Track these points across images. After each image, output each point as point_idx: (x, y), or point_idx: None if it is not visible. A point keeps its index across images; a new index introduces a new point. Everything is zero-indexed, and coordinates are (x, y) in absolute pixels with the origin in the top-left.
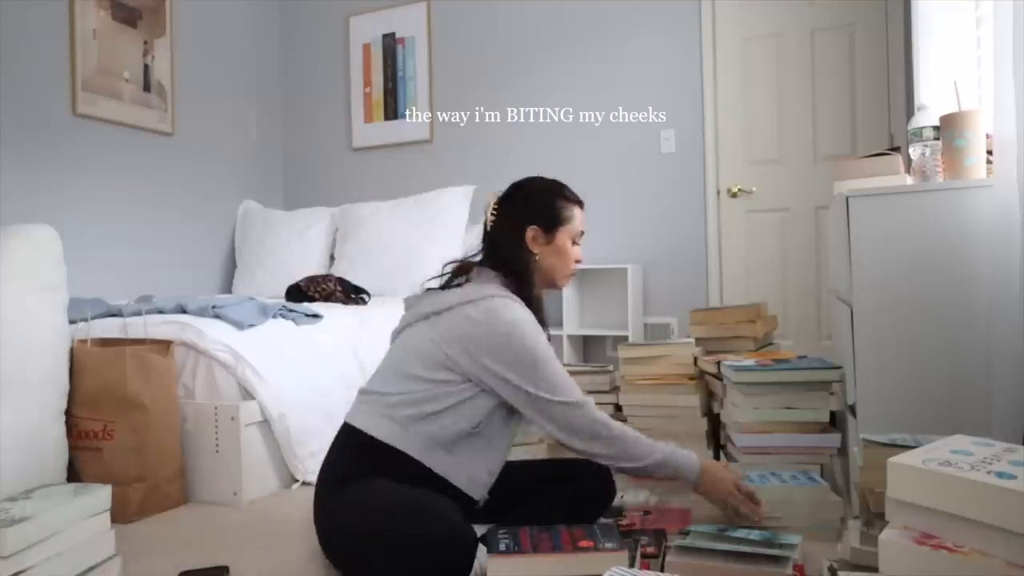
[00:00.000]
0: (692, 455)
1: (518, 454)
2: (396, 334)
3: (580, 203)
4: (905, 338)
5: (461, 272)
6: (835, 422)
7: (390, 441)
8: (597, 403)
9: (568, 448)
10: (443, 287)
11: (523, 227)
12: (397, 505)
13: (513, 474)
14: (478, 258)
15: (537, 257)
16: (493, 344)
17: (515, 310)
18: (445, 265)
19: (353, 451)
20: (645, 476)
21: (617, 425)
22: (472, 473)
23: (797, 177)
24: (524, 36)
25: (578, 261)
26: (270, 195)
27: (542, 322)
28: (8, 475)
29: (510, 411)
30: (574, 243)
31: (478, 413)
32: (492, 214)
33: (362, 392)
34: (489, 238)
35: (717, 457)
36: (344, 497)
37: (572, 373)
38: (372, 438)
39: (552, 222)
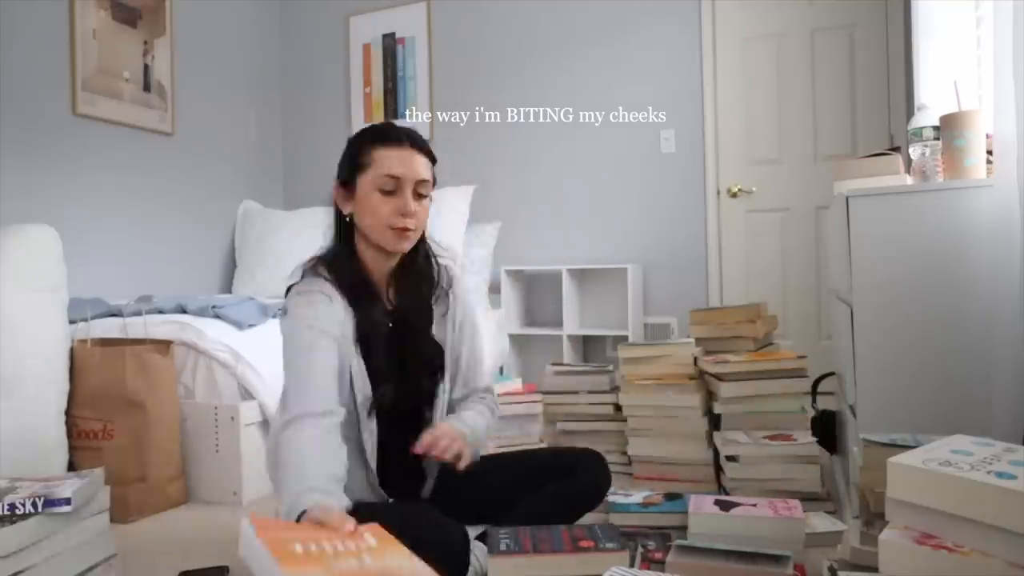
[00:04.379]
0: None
1: None
2: None
3: (395, 140)
4: (905, 338)
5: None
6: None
7: None
8: (597, 403)
9: None
10: None
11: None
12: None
13: (504, 471)
14: None
15: (353, 218)
16: None
17: (295, 304)
18: None
19: None
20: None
21: (287, 458)
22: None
23: (797, 177)
24: (524, 36)
25: (406, 215)
26: (270, 195)
27: (371, 299)
28: (8, 475)
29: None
30: (387, 192)
31: None
32: None
33: None
34: None
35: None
36: None
37: (572, 373)
38: None
39: (350, 172)
